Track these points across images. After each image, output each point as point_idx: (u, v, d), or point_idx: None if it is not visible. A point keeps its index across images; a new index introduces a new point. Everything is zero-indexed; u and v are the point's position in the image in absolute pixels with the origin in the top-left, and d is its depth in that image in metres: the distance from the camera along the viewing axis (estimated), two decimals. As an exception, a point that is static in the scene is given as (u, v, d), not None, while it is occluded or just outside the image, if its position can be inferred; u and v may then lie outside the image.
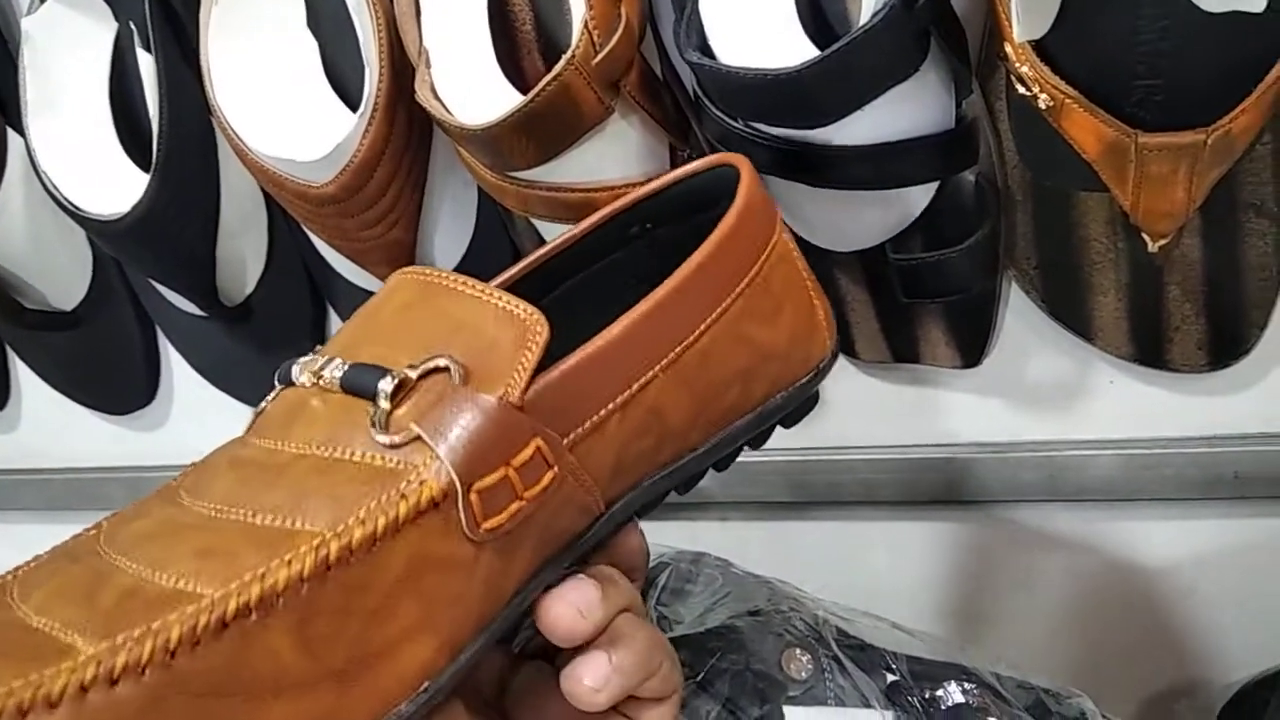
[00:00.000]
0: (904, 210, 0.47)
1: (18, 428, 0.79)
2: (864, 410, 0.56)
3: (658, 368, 0.31)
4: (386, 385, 0.27)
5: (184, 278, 0.60)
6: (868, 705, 0.44)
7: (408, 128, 0.51)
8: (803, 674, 0.46)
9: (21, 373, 0.77)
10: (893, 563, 0.60)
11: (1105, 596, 0.56)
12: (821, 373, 0.37)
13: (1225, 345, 0.49)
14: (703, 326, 0.32)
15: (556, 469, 0.28)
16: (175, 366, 0.71)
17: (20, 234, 0.64)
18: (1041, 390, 0.53)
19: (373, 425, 0.27)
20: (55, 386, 0.73)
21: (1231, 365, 0.49)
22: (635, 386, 0.30)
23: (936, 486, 0.56)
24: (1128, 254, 0.48)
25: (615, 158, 0.48)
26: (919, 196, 0.46)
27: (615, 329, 0.30)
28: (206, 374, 0.68)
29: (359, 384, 0.28)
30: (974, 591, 0.59)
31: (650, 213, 0.37)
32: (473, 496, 0.26)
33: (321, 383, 0.29)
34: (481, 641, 0.28)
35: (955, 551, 0.58)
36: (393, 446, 0.27)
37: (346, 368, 0.28)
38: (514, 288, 0.35)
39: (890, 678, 0.46)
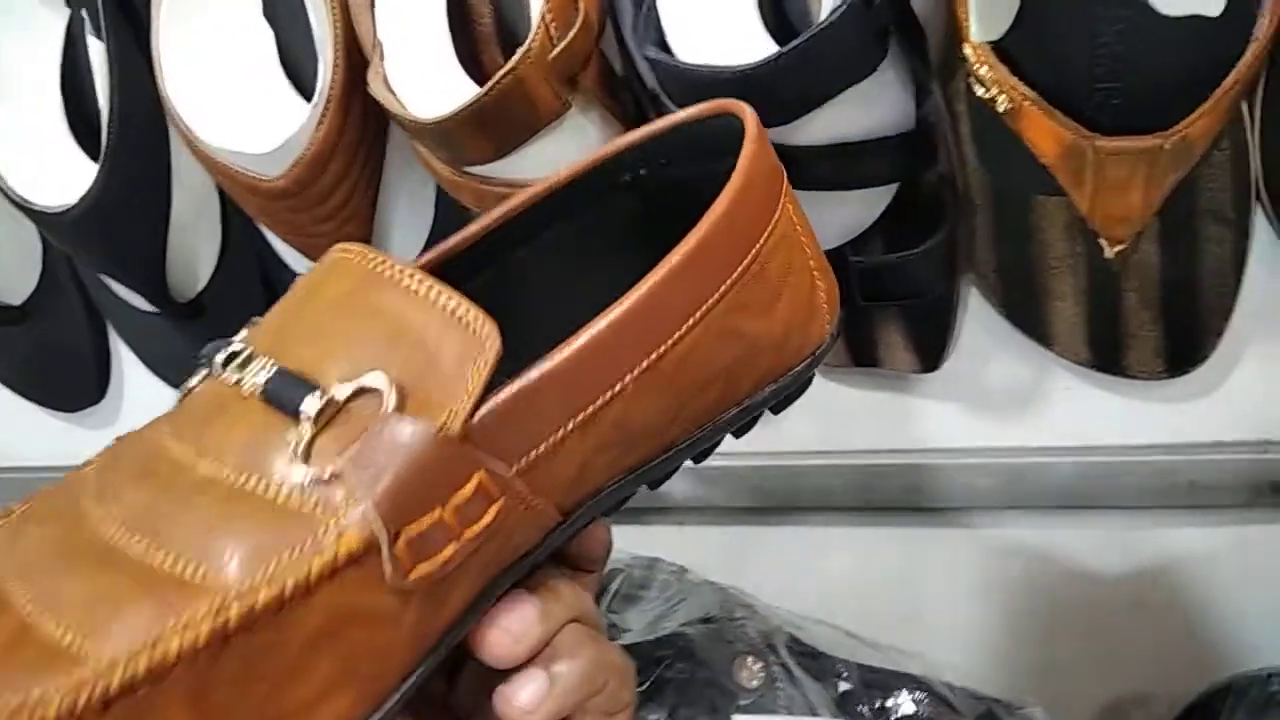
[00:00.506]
0: (863, 212, 0.46)
1: (-37, 425, 0.77)
2: (822, 414, 0.55)
3: (628, 378, 0.27)
4: (310, 407, 0.24)
5: (134, 272, 0.58)
6: (817, 714, 0.44)
7: (363, 121, 0.50)
8: (753, 682, 0.45)
9: (-32, 368, 0.75)
10: (850, 568, 0.59)
11: (1061, 604, 0.56)
12: (819, 358, 0.33)
13: (1183, 353, 0.49)
14: (683, 330, 0.28)
15: (502, 501, 0.25)
16: (126, 363, 0.70)
17: (-35, 225, 0.63)
18: (999, 396, 0.53)
19: (292, 453, 0.24)
20: (3, 382, 0.72)
21: (1189, 373, 0.49)
22: (600, 401, 0.27)
23: (894, 492, 0.56)
24: (1086, 259, 0.48)
25: (572, 154, 0.46)
26: (878, 198, 0.46)
27: (579, 340, 0.26)
28: (158, 371, 0.67)
29: (282, 399, 0.25)
30: (931, 598, 0.58)
31: (644, 159, 0.33)
32: (400, 544, 0.24)
33: (242, 387, 0.25)
34: (412, 682, 0.26)
35: (912, 558, 0.58)
36: (312, 482, 0.24)
37: (272, 373, 0.25)
38: (482, 243, 0.32)
39: (842, 686, 0.45)
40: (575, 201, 0.34)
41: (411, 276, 0.26)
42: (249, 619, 0.22)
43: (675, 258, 0.28)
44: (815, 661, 0.45)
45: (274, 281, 0.62)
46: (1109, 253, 0.44)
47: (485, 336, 0.25)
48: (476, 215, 0.54)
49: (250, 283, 0.62)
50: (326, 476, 0.23)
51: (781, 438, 0.56)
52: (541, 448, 0.26)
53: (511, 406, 0.25)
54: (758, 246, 0.29)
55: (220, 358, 0.27)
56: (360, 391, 0.24)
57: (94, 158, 0.57)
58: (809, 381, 0.34)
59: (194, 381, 0.28)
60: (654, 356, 0.27)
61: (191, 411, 0.27)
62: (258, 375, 0.25)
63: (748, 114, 0.30)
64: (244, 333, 0.28)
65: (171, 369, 0.67)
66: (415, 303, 0.26)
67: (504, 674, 0.28)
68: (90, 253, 0.58)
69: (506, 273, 0.33)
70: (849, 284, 0.48)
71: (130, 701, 0.21)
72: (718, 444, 0.32)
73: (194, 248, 0.60)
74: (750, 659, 0.44)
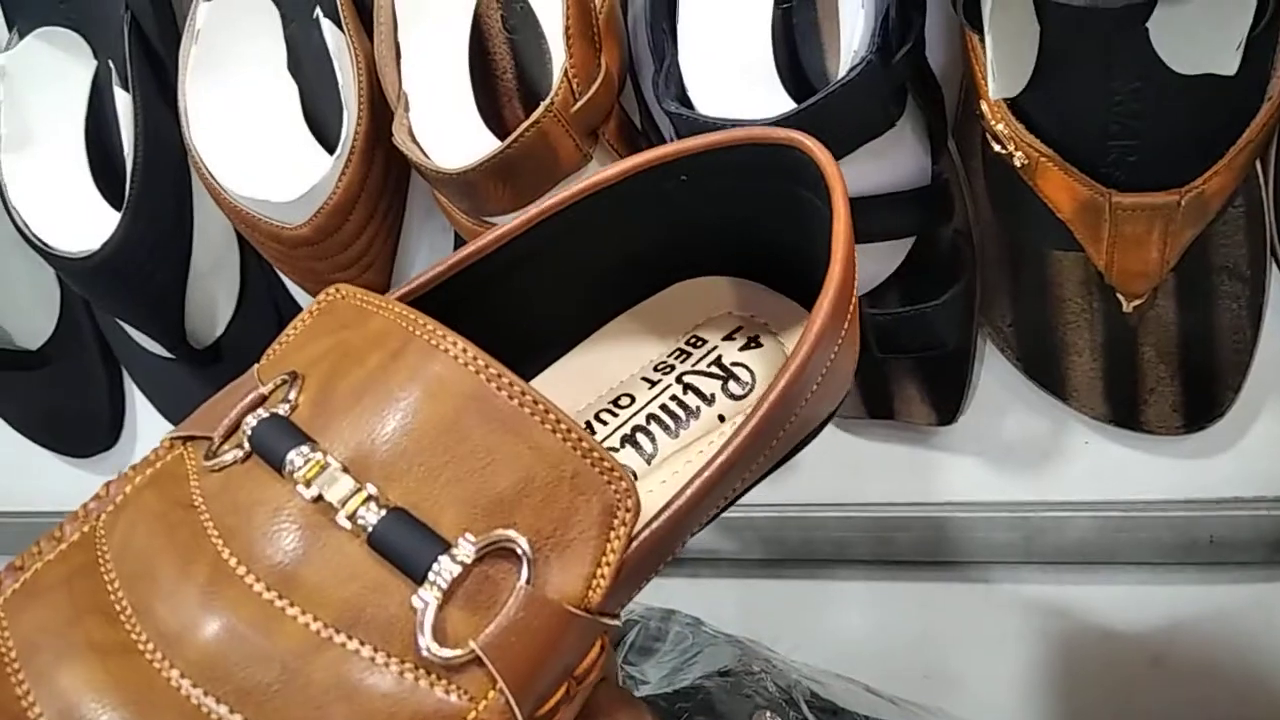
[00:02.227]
0: (879, 265, 0.47)
1: (-25, 469, 0.77)
2: (838, 467, 0.55)
3: (738, 484, 0.26)
4: (445, 572, 0.21)
5: (152, 319, 0.59)
6: (838, 770, 0.43)
7: (385, 171, 0.51)
8: (772, 737, 0.44)
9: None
10: (865, 622, 0.59)
11: (1079, 660, 0.56)
12: (845, 399, 0.33)
13: (1200, 408, 0.49)
14: (817, 384, 0.27)
15: (605, 652, 0.24)
16: (140, 409, 0.70)
17: (-13, 271, 0.63)
18: (1016, 450, 0.53)
19: (420, 625, 0.21)
20: (17, 427, 0.72)
21: (1207, 428, 0.49)
22: (711, 515, 0.26)
23: (910, 546, 0.56)
24: (1103, 314, 0.48)
25: (592, 206, 0.47)
26: (894, 252, 0.46)
27: (717, 465, 0.24)
28: (172, 418, 0.67)
29: (403, 553, 0.21)
30: (947, 653, 0.58)
31: (703, 167, 0.31)
32: None
33: (337, 517, 0.22)
34: None
35: (929, 612, 0.58)
36: (443, 666, 0.21)
37: (382, 515, 0.22)
38: (538, 228, 0.31)
39: (861, 743, 0.45)
40: (625, 199, 0.32)
41: (537, 405, 0.23)
42: None
43: (818, 322, 0.26)
44: (835, 718, 0.44)
45: (291, 329, 0.63)
46: (1126, 307, 0.44)
47: (626, 498, 0.23)
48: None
49: (267, 330, 0.62)
50: (462, 658, 0.21)
51: (798, 489, 0.56)
52: (647, 578, 0.25)
53: (636, 561, 0.23)
54: (849, 318, 0.29)
55: (295, 459, 0.23)
56: (492, 550, 0.22)
57: (116, 205, 0.58)
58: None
59: (226, 458, 0.24)
60: (763, 457, 0.27)
61: (247, 518, 0.23)
62: (363, 512, 0.22)
63: (831, 167, 0.29)
64: (289, 402, 0.24)
65: (184, 413, 0.66)
66: (547, 441, 0.23)
67: None
68: (110, 298, 0.58)
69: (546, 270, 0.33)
70: (865, 336, 0.48)
71: None
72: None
73: (212, 295, 0.61)
74: (769, 714, 0.44)
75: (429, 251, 0.56)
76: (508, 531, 0.22)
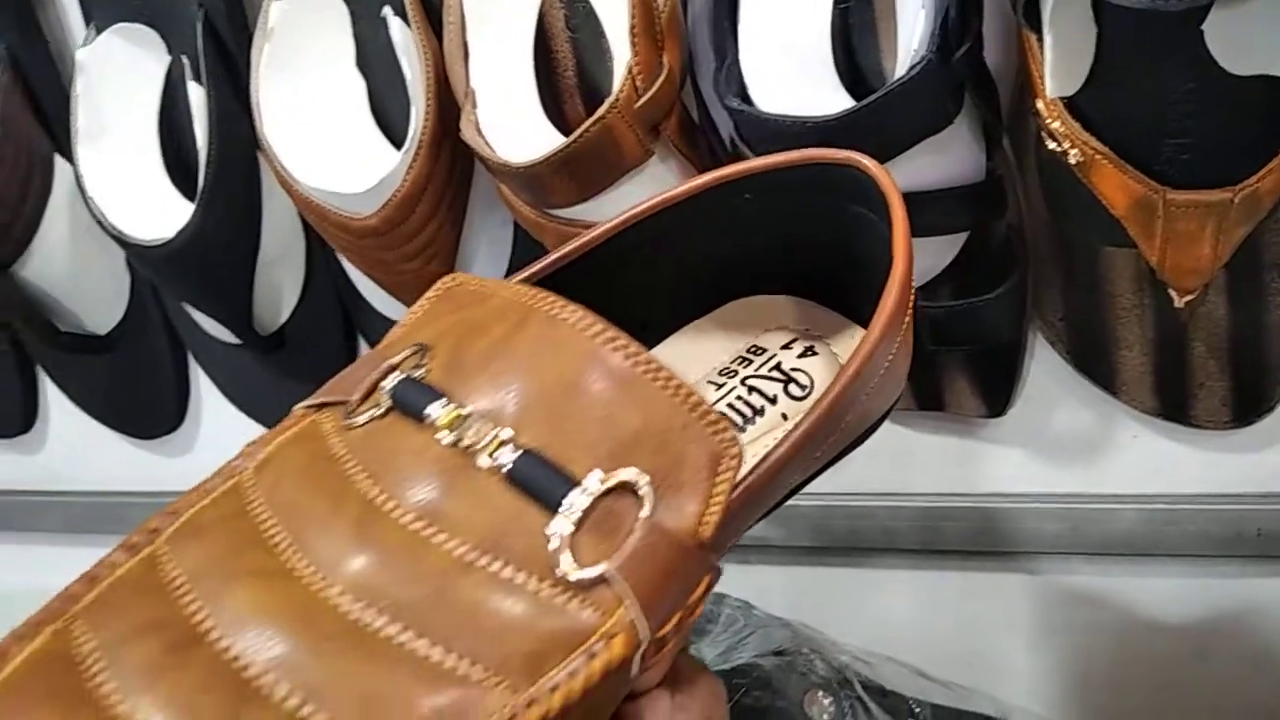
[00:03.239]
0: (933, 259, 0.48)
1: (43, 450, 0.80)
2: (887, 457, 0.56)
3: (818, 453, 0.29)
4: (579, 503, 0.23)
5: (222, 305, 0.61)
6: (889, 750, 0.44)
7: (450, 165, 0.52)
8: (824, 716, 0.46)
9: (49, 395, 0.78)
10: (911, 610, 0.60)
11: (1124, 652, 0.56)
12: (894, 407, 0.36)
13: (1249, 403, 0.49)
14: (861, 401, 0.29)
15: (709, 591, 0.26)
16: (204, 393, 0.72)
17: (61, 258, 0.66)
18: (1065, 442, 0.54)
19: (555, 549, 0.23)
20: (85, 409, 0.74)
21: (1255, 423, 0.49)
22: (800, 477, 0.28)
23: (958, 535, 0.57)
24: (1153, 310, 0.49)
25: (651, 200, 0.49)
26: (948, 246, 0.47)
27: (808, 425, 0.27)
28: (236, 400, 0.69)
29: (538, 487, 0.24)
30: (991, 641, 0.59)
31: (762, 185, 0.33)
32: (649, 645, 0.24)
33: (476, 457, 0.24)
34: None
35: (974, 601, 0.58)
36: (579, 582, 0.23)
37: (518, 455, 0.24)
38: (610, 243, 0.33)
39: (911, 723, 0.46)
40: (694, 214, 0.34)
41: (650, 365, 0.25)
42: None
43: (884, 313, 0.29)
44: (885, 699, 0.45)
45: (352, 317, 0.65)
46: (1178, 303, 0.45)
47: (731, 442, 0.25)
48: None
49: (330, 318, 0.64)
50: (593, 579, 0.23)
51: (848, 479, 0.57)
52: (748, 528, 0.28)
53: (742, 502, 0.26)
54: (908, 317, 0.31)
55: (434, 409, 0.25)
56: (616, 488, 0.24)
57: (187, 196, 0.60)
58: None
59: (363, 418, 0.26)
60: (839, 432, 0.29)
61: (391, 462, 0.25)
62: (500, 453, 0.24)
63: (890, 186, 0.31)
64: (422, 368, 0.26)
65: (249, 399, 0.69)
66: (659, 397, 0.25)
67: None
68: (183, 285, 0.60)
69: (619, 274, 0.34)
70: (918, 329, 0.49)
71: None
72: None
73: (278, 283, 0.63)
74: (821, 693, 0.45)
75: (489, 243, 0.58)
76: (629, 470, 0.24)
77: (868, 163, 0.31)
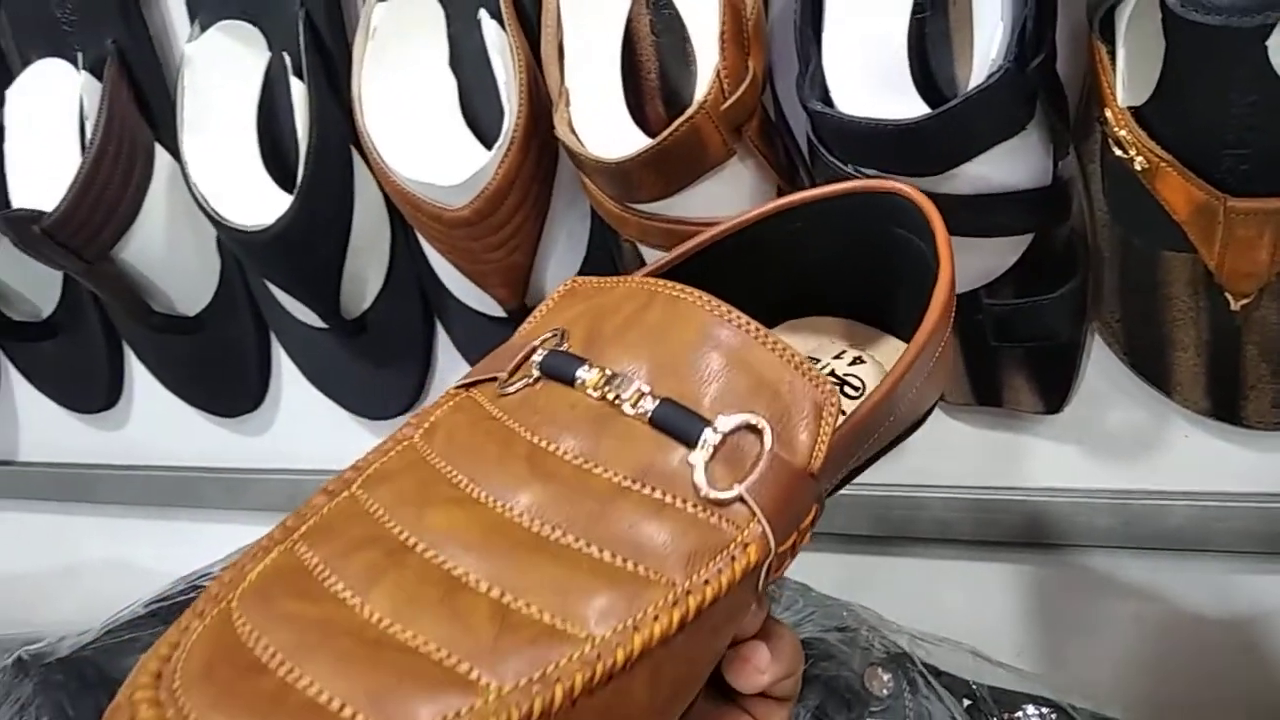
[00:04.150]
0: (1000, 259, 0.50)
1: (126, 425, 0.84)
2: (945, 450, 0.59)
3: (890, 419, 0.33)
4: (713, 439, 0.28)
5: (312, 290, 0.64)
6: (946, 724, 0.46)
7: (537, 162, 0.55)
8: (884, 691, 0.48)
9: (135, 373, 0.82)
10: (964, 600, 0.62)
11: (1172, 645, 0.58)
12: (932, 410, 0.40)
13: (1300, 405, 0.51)
14: (917, 386, 0.33)
15: (814, 524, 0.29)
16: (285, 375, 0.76)
17: (158, 241, 0.69)
18: (1119, 439, 0.56)
19: (696, 475, 0.27)
20: (170, 386, 0.78)
21: (1305, 425, 0.51)
22: (875, 436, 0.32)
23: (1011, 528, 0.59)
24: (1208, 313, 0.51)
25: (729, 197, 0.51)
26: (1014, 247, 0.49)
27: (885, 387, 0.31)
28: (317, 382, 0.72)
29: (677, 427, 0.28)
30: (1043, 633, 0.61)
31: (813, 215, 0.38)
32: (773, 558, 0.27)
33: (623, 406, 0.28)
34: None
35: (1026, 592, 0.61)
36: (716, 503, 0.27)
37: (658, 403, 0.28)
38: (684, 265, 0.37)
39: (967, 703, 0.48)
40: (751, 242, 0.39)
41: (759, 331, 0.30)
42: (699, 610, 0.25)
43: (935, 312, 0.33)
44: (942, 677, 0.48)
45: (432, 305, 0.68)
46: (1234, 306, 0.47)
47: (831, 393, 0.29)
48: (627, 250, 0.59)
49: (411, 305, 0.68)
50: (730, 498, 0.27)
51: (906, 470, 0.60)
52: (840, 476, 0.31)
53: (838, 445, 0.30)
54: (954, 305, 0.35)
55: (582, 371, 0.29)
56: (741, 428, 0.28)
57: (281, 185, 0.64)
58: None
59: (515, 387, 0.30)
60: (903, 406, 0.33)
61: (545, 415, 0.29)
62: (642, 402, 0.28)
63: (929, 206, 0.35)
64: (565, 344, 0.31)
65: (330, 381, 0.72)
66: (770, 359, 0.29)
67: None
68: (278, 270, 0.64)
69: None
70: (982, 325, 0.52)
71: (623, 674, 0.24)
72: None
73: (364, 271, 0.66)
74: (881, 669, 0.47)
75: (567, 236, 0.61)
76: (751, 414, 0.28)
77: (909, 190, 0.36)
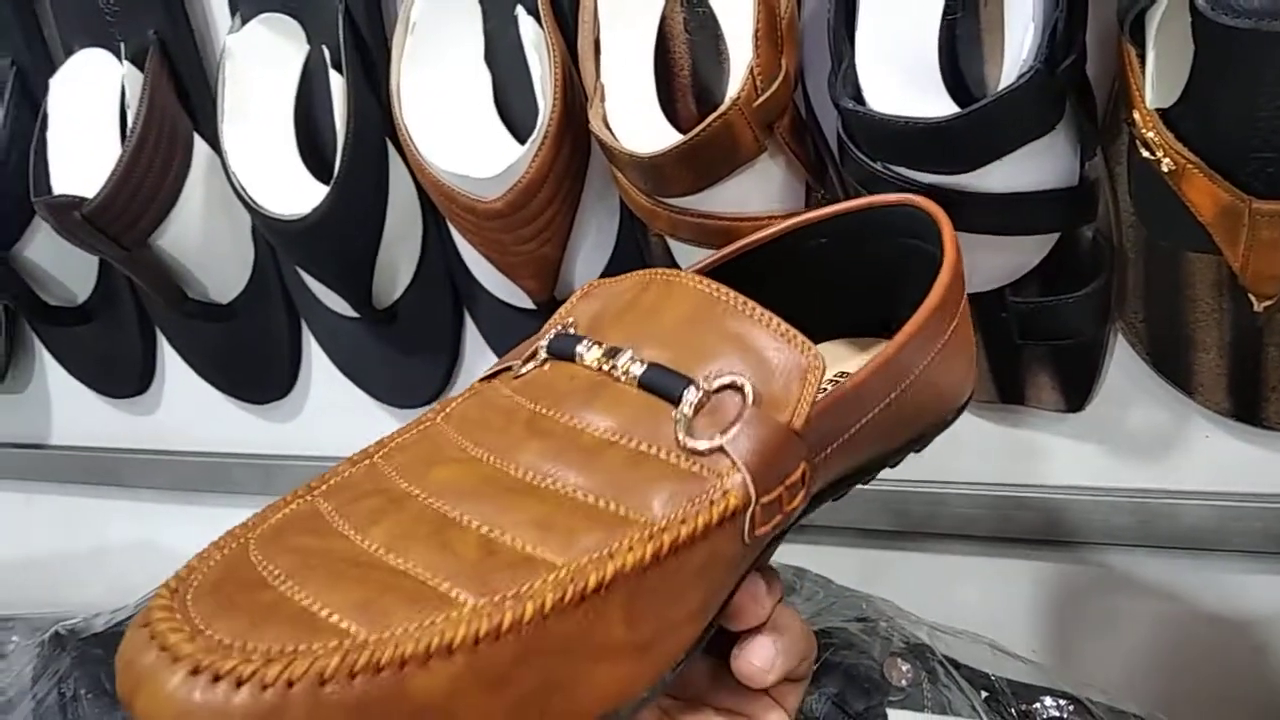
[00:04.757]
0: (1025, 258, 0.51)
1: (157, 410, 0.85)
2: (966, 447, 0.59)
3: (884, 402, 0.34)
4: (693, 396, 0.30)
5: (346, 279, 0.65)
6: (966, 715, 0.47)
7: (570, 156, 0.56)
8: (903, 682, 0.49)
9: (167, 360, 0.83)
10: (982, 596, 0.63)
11: (1188, 644, 0.59)
12: (962, 410, 0.41)
13: (1321, 407, 0.52)
14: (921, 367, 0.35)
15: (806, 488, 0.31)
16: (315, 364, 0.77)
17: (195, 229, 0.71)
18: (1139, 439, 0.56)
19: (680, 429, 0.29)
20: (202, 373, 0.79)
21: (1326, 427, 0.52)
22: (871, 414, 0.33)
23: (1031, 525, 0.59)
24: (1231, 314, 0.51)
25: (759, 192, 0.52)
26: (1040, 246, 0.50)
27: (872, 365, 0.33)
28: (347, 370, 0.74)
29: (662, 386, 0.30)
30: (1059, 629, 0.61)
31: (833, 230, 0.40)
32: (757, 509, 0.29)
33: (613, 372, 0.31)
34: (715, 625, 0.31)
35: (1044, 590, 0.61)
36: (696, 453, 0.29)
37: (646, 367, 0.31)
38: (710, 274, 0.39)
39: (985, 694, 0.49)
40: (771, 257, 0.41)
41: (748, 306, 0.32)
42: (674, 546, 0.27)
43: (929, 305, 0.35)
44: (961, 669, 0.48)
45: (462, 295, 0.69)
46: (1257, 307, 0.47)
47: (814, 357, 0.31)
48: (656, 244, 0.60)
49: (441, 295, 0.69)
50: (712, 448, 0.29)
51: (927, 467, 0.60)
52: (828, 450, 0.32)
53: (826, 411, 0.31)
54: (960, 306, 0.37)
55: (581, 348, 0.32)
56: (724, 387, 0.30)
57: (318, 176, 0.65)
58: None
59: (520, 362, 0.33)
60: (900, 389, 0.34)
61: (549, 389, 0.32)
62: (634, 367, 0.31)
63: (939, 212, 0.38)
64: (570, 328, 0.33)
65: (360, 370, 0.73)
66: (755, 327, 0.32)
67: (726, 649, 0.33)
68: (313, 259, 0.65)
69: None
70: (1006, 323, 0.52)
71: (595, 598, 0.26)
72: (877, 473, 0.38)
73: (396, 262, 0.67)
74: (900, 660, 0.48)
75: (597, 231, 0.62)
76: (735, 375, 0.30)
77: (920, 200, 0.38)
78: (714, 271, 0.41)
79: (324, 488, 0.30)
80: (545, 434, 0.30)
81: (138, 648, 0.23)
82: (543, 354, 0.33)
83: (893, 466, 0.39)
